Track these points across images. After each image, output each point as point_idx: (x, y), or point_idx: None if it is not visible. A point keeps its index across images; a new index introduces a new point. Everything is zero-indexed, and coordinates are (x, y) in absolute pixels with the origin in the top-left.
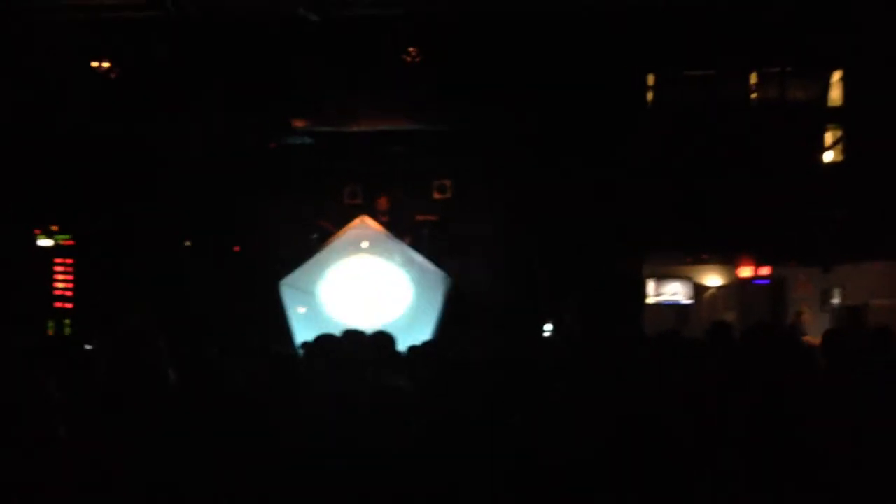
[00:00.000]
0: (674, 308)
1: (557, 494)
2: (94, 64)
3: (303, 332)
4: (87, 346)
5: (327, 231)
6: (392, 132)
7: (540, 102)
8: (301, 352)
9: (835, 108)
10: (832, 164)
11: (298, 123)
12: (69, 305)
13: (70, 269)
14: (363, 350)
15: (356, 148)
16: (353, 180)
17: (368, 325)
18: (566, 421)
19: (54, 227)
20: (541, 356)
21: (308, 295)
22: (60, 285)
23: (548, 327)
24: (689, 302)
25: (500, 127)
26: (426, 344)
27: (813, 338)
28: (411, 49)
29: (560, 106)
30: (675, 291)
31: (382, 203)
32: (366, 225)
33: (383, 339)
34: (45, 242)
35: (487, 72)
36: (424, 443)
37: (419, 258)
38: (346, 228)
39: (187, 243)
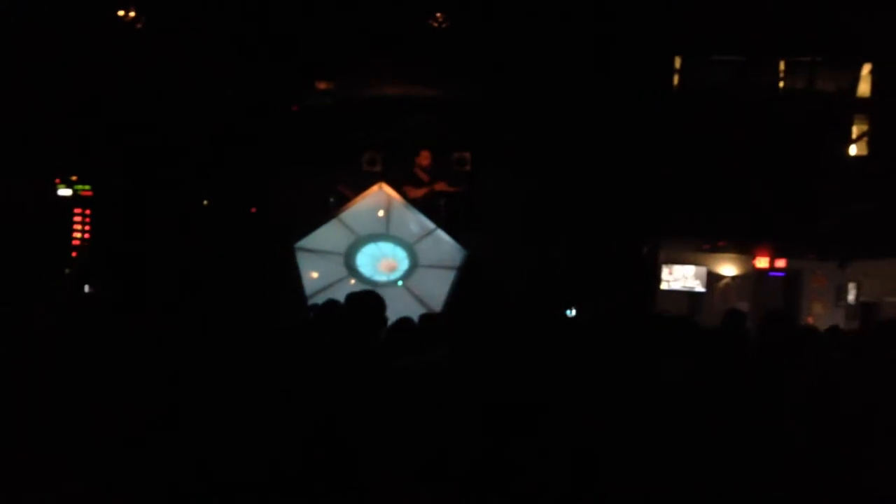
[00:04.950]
0: (686, 295)
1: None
2: (120, 13)
3: (315, 296)
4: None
5: (345, 196)
6: (415, 100)
7: (564, 80)
8: (311, 314)
9: (863, 101)
10: (857, 158)
11: (322, 85)
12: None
13: (88, 220)
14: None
15: (378, 115)
16: (372, 147)
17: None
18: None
19: (74, 178)
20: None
21: (322, 258)
22: (78, 235)
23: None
24: (702, 290)
25: (523, 102)
26: (438, 315)
27: None
28: (438, 14)
29: (584, 85)
30: (688, 278)
31: (424, 158)
32: (383, 192)
33: (372, 300)
34: (64, 192)
35: (513, 45)
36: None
37: (436, 229)
38: (363, 195)
39: (205, 202)
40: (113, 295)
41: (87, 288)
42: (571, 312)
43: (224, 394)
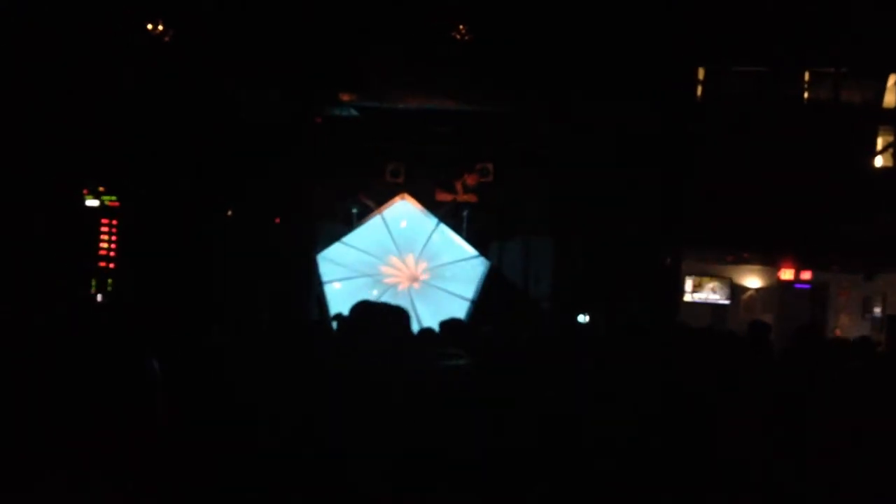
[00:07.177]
0: (710, 307)
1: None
2: (149, 27)
3: (338, 305)
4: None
5: (367, 207)
6: (437, 112)
7: (587, 91)
8: (335, 324)
9: (888, 112)
10: (882, 169)
11: (345, 97)
12: (112, 265)
13: (115, 230)
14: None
15: (400, 126)
16: (395, 158)
17: (401, 301)
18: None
19: (101, 189)
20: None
21: (345, 268)
22: (105, 245)
23: (582, 318)
24: (726, 302)
25: (546, 113)
26: (459, 322)
27: None
28: (461, 26)
29: (608, 96)
30: (713, 290)
31: (472, 178)
32: (406, 203)
33: (396, 315)
34: (92, 203)
35: (536, 56)
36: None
37: (458, 240)
38: (386, 205)
39: (229, 213)
40: (132, 303)
41: (99, 297)
42: (585, 318)
43: (228, 396)
